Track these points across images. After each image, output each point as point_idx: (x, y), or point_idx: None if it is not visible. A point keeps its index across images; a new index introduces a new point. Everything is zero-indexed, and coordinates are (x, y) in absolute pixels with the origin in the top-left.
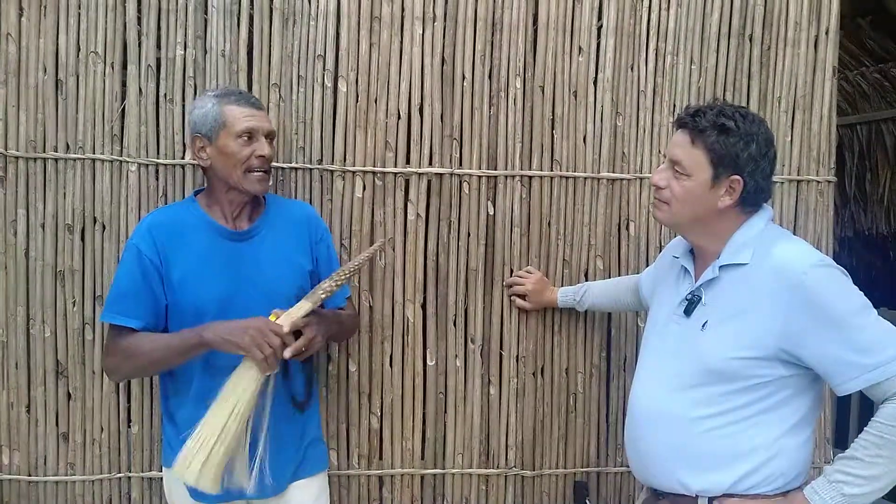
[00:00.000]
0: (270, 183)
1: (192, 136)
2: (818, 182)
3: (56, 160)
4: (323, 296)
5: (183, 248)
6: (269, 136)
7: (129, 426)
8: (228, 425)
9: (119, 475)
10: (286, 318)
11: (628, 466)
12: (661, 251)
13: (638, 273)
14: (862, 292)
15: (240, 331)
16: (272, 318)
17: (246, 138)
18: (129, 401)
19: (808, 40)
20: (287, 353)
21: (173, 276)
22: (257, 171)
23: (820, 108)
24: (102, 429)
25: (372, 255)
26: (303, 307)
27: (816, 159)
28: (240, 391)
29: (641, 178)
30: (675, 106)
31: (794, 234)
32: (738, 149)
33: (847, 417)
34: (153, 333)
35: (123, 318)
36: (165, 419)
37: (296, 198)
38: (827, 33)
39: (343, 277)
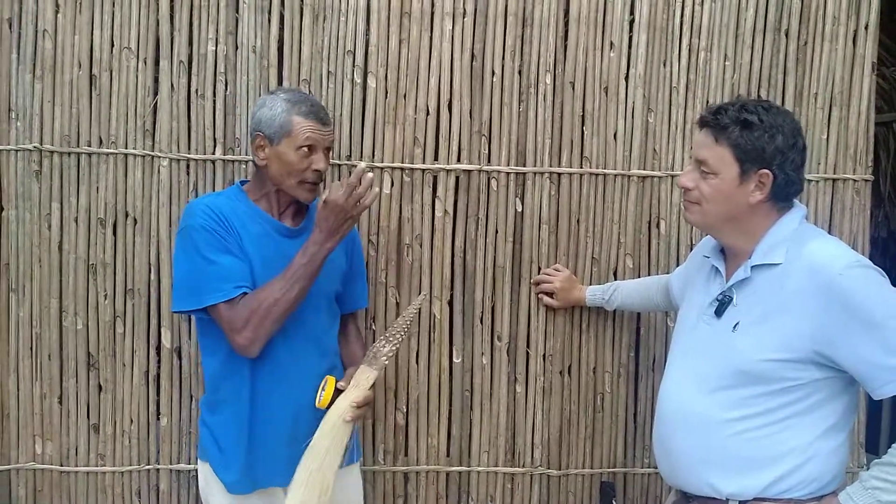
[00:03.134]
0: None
1: (253, 131)
2: (854, 180)
3: (89, 155)
4: (386, 362)
5: (244, 234)
6: (328, 148)
7: (159, 418)
8: (326, 474)
9: (148, 467)
10: (357, 392)
11: (656, 467)
12: (691, 250)
13: (668, 272)
14: None
15: (340, 212)
16: (329, 385)
17: (306, 150)
18: (158, 393)
19: (846, 35)
20: (355, 419)
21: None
22: (309, 183)
23: (857, 105)
24: (132, 421)
25: (419, 308)
26: (370, 377)
27: (853, 157)
28: (334, 443)
29: (673, 176)
30: (707, 102)
31: (830, 233)
32: (763, 142)
33: (878, 421)
34: (263, 285)
35: (241, 289)
36: (209, 418)
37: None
38: (866, 28)
39: (400, 337)
